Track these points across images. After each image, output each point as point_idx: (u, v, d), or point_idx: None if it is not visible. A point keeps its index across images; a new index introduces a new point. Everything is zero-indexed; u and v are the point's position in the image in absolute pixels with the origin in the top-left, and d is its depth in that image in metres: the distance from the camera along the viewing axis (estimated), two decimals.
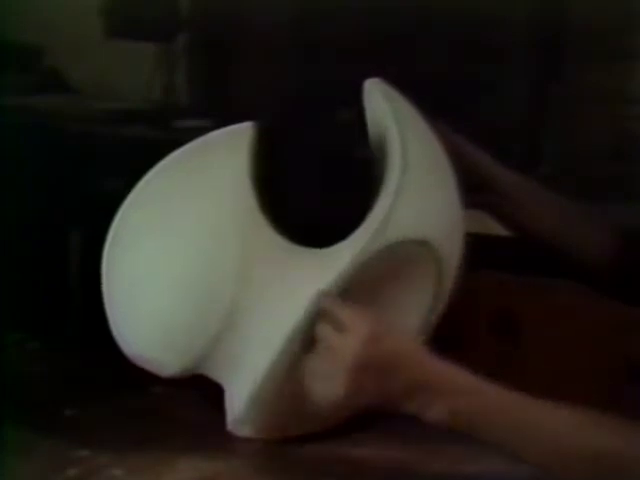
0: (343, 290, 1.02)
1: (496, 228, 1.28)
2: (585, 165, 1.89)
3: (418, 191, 1.03)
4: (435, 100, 1.09)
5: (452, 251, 1.08)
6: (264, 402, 1.02)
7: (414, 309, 1.09)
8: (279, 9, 2.14)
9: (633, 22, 1.83)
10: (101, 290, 1.03)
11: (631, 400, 1.47)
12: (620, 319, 1.59)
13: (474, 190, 1.10)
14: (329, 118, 1.52)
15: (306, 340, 1.01)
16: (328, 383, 0.93)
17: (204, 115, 1.95)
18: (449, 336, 1.72)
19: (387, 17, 1.98)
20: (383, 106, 1.05)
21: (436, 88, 1.43)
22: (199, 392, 1.14)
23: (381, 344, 0.93)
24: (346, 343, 0.93)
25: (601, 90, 1.90)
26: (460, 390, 0.93)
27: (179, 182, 1.00)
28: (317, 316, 0.98)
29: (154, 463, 1.02)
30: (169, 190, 1.00)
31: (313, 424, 1.06)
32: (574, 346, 1.68)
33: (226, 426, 1.07)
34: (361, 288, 1.07)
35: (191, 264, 1.00)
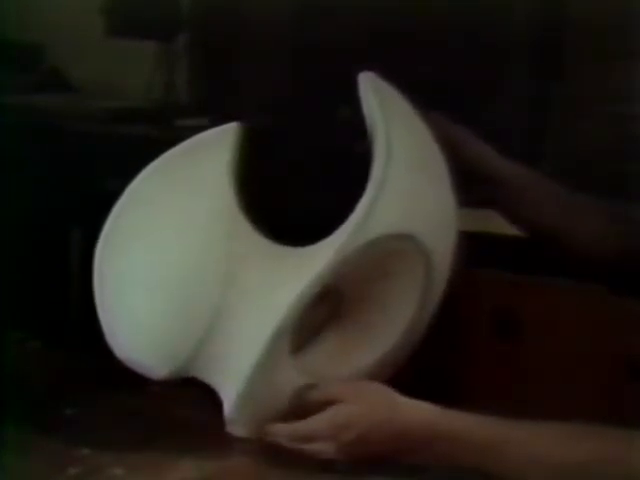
0: (327, 287, 1.02)
1: (501, 227, 1.27)
2: (585, 165, 1.89)
3: (402, 186, 1.02)
4: (434, 100, 1.09)
5: (442, 246, 1.07)
6: (252, 402, 1.02)
7: (403, 304, 1.08)
8: (279, 9, 2.14)
9: (633, 21, 1.83)
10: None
11: (631, 400, 1.47)
12: (620, 318, 1.59)
13: (476, 182, 1.10)
14: (329, 116, 1.52)
15: (290, 338, 1.01)
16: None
17: (204, 114, 1.95)
18: (449, 336, 1.73)
19: (387, 16, 1.98)
20: (372, 101, 1.05)
21: (436, 88, 1.43)
22: (199, 391, 1.14)
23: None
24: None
25: (601, 90, 1.90)
26: (439, 431, 0.96)
27: (165, 185, 1.01)
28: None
29: (155, 462, 1.02)
30: (155, 194, 1.01)
31: None
32: (574, 346, 1.68)
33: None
34: (348, 284, 1.07)
35: (175, 267, 1.00)
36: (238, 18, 2.18)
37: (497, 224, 1.50)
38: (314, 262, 1.00)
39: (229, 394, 1.03)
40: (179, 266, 1.00)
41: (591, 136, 1.91)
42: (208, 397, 1.12)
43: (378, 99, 1.05)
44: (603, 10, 1.84)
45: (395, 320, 1.09)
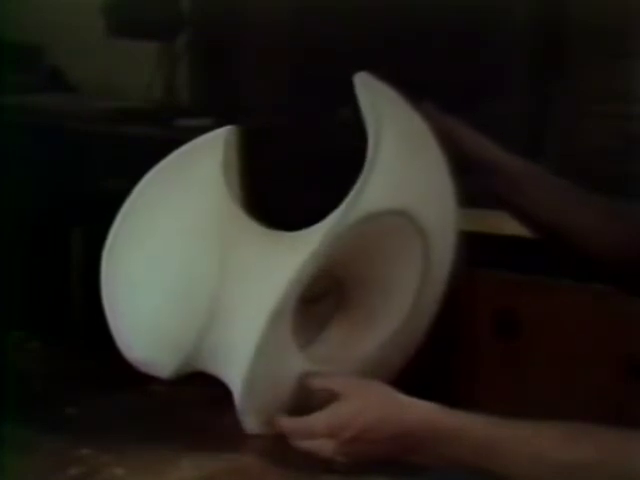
0: (324, 271, 1.03)
1: (501, 227, 1.28)
2: (585, 164, 1.89)
3: (393, 165, 1.03)
4: (435, 100, 1.10)
5: (439, 226, 1.07)
6: (258, 389, 1.02)
7: (403, 287, 1.09)
8: (279, 9, 2.14)
9: (633, 21, 1.83)
10: (101, 290, 1.04)
11: (631, 400, 1.48)
12: (620, 318, 1.59)
13: (473, 171, 1.10)
14: (330, 116, 1.53)
15: (290, 321, 1.02)
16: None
17: (204, 114, 1.95)
18: (450, 336, 1.73)
19: (387, 16, 1.98)
20: (364, 94, 1.06)
21: (436, 88, 1.43)
22: (199, 391, 1.14)
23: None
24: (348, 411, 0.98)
25: (601, 90, 1.90)
26: (439, 429, 0.96)
27: (164, 188, 1.04)
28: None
29: (155, 462, 1.02)
30: (156, 197, 1.03)
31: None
32: (574, 346, 1.68)
33: (227, 425, 1.08)
34: (349, 270, 1.07)
35: (175, 262, 1.02)
36: (238, 18, 2.18)
37: (497, 224, 1.50)
38: (309, 243, 1.01)
39: (236, 383, 1.03)
40: (179, 261, 1.02)
41: (591, 136, 1.91)
42: (208, 397, 1.12)
43: (370, 90, 1.06)
44: (603, 10, 1.84)
45: (396, 304, 1.09)
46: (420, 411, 0.97)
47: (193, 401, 1.16)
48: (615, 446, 0.92)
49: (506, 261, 1.69)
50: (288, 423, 1.01)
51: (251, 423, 1.05)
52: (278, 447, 1.03)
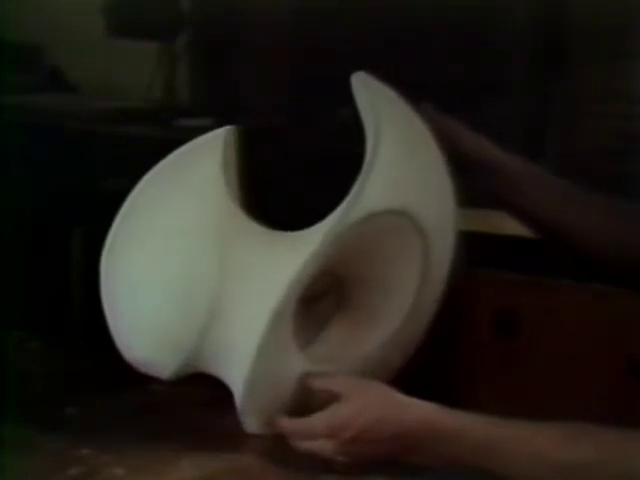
0: (325, 271, 1.03)
1: (501, 227, 1.27)
2: (585, 164, 1.89)
3: (392, 166, 1.03)
4: (435, 100, 1.10)
5: (438, 226, 1.07)
6: (260, 389, 1.03)
7: (403, 286, 1.09)
8: (279, 9, 2.14)
9: (633, 21, 1.83)
10: (101, 290, 1.04)
11: (631, 399, 1.48)
12: (620, 318, 1.59)
13: (473, 171, 1.10)
14: (330, 116, 1.53)
15: (290, 321, 1.02)
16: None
17: (204, 114, 1.95)
18: (450, 335, 1.73)
19: (387, 16, 1.98)
20: (362, 93, 1.06)
21: (436, 88, 1.43)
22: (199, 391, 1.14)
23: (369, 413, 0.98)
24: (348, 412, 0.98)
25: (601, 90, 1.90)
26: (439, 429, 0.96)
27: (163, 189, 1.04)
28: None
29: (155, 462, 1.02)
30: (155, 197, 1.04)
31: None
32: (574, 345, 1.68)
33: (227, 425, 1.08)
34: (350, 270, 1.08)
35: (174, 265, 1.02)
36: (238, 18, 2.18)
37: (497, 224, 1.50)
38: (309, 243, 1.01)
39: (237, 384, 1.03)
40: (179, 261, 1.02)
41: (591, 136, 1.91)
42: (208, 397, 1.12)
43: (368, 90, 1.07)
44: (603, 10, 1.84)
45: (396, 303, 1.09)
46: (420, 411, 0.97)
47: (193, 401, 1.16)
48: (615, 446, 0.92)
49: (506, 261, 1.69)
50: (288, 424, 1.01)
51: (252, 424, 1.05)
52: (278, 447, 1.03)
